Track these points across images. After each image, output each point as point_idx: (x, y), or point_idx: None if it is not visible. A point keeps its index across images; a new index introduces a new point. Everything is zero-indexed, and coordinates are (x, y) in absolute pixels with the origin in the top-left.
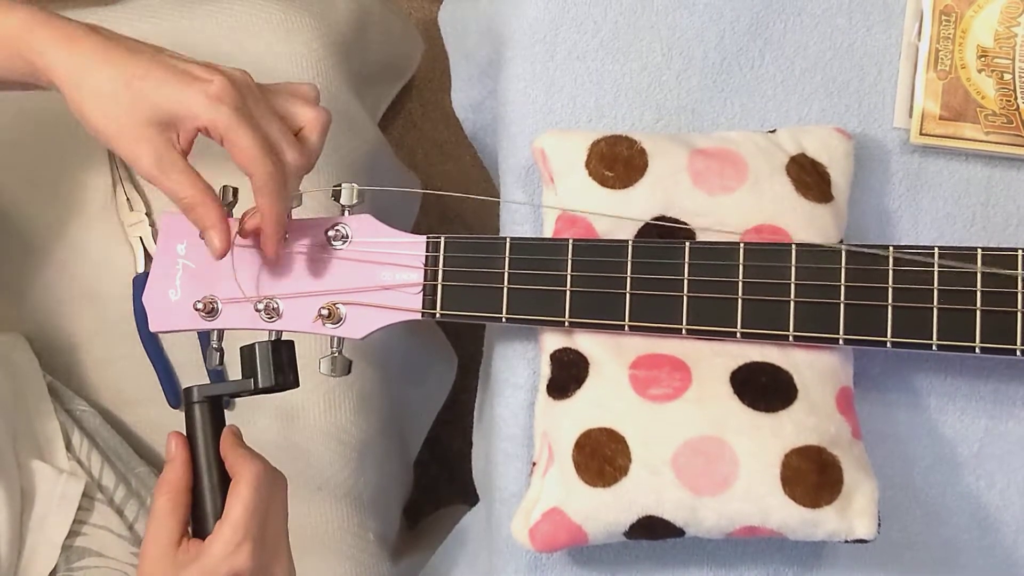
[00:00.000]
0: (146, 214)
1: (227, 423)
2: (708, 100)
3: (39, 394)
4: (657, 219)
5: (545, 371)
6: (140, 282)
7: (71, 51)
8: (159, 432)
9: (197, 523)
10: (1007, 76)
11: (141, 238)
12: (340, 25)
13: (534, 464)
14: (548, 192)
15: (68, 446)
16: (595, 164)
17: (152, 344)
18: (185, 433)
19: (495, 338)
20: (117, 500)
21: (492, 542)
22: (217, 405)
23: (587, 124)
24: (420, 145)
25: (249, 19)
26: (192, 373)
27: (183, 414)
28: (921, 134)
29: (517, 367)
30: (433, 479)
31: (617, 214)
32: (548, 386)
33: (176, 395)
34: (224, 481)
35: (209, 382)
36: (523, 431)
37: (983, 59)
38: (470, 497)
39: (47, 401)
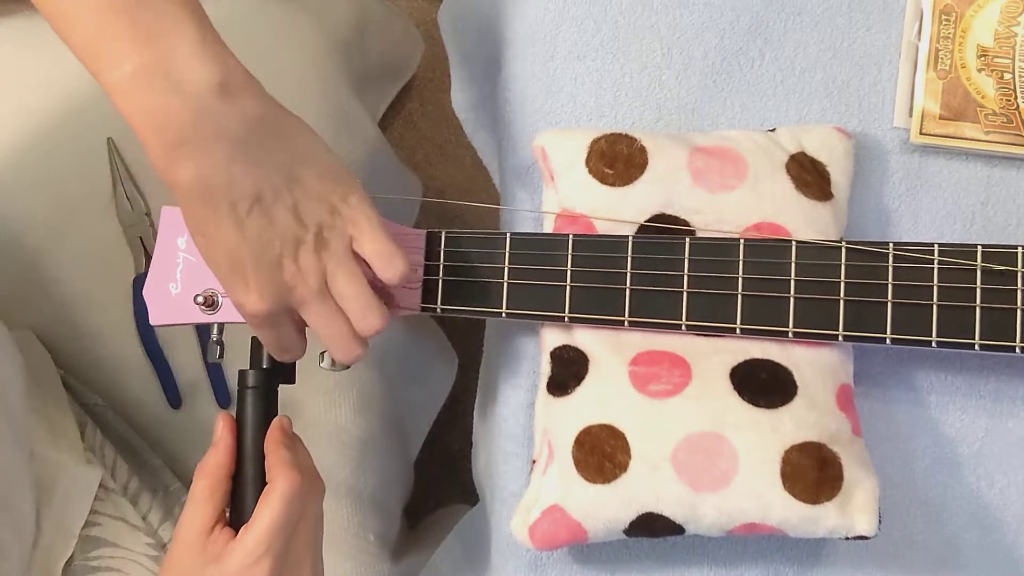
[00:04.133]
0: (146, 214)
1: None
2: (708, 100)
3: (54, 385)
4: (657, 216)
5: (545, 369)
6: (140, 282)
7: None
8: (162, 431)
9: (235, 511)
10: (1007, 76)
11: (141, 238)
12: (340, 25)
13: (534, 462)
14: (548, 190)
15: (82, 437)
16: (595, 161)
17: (152, 345)
18: (236, 414)
19: (495, 338)
20: (131, 491)
21: (492, 541)
22: (270, 392)
23: (587, 124)
24: (420, 145)
25: (249, 19)
26: (192, 374)
27: (185, 415)
28: (921, 134)
29: (517, 367)
30: (433, 479)
31: (617, 211)
32: (548, 384)
33: (176, 396)
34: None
35: (264, 367)
36: (523, 430)
37: (983, 58)
38: (470, 497)
39: (62, 392)
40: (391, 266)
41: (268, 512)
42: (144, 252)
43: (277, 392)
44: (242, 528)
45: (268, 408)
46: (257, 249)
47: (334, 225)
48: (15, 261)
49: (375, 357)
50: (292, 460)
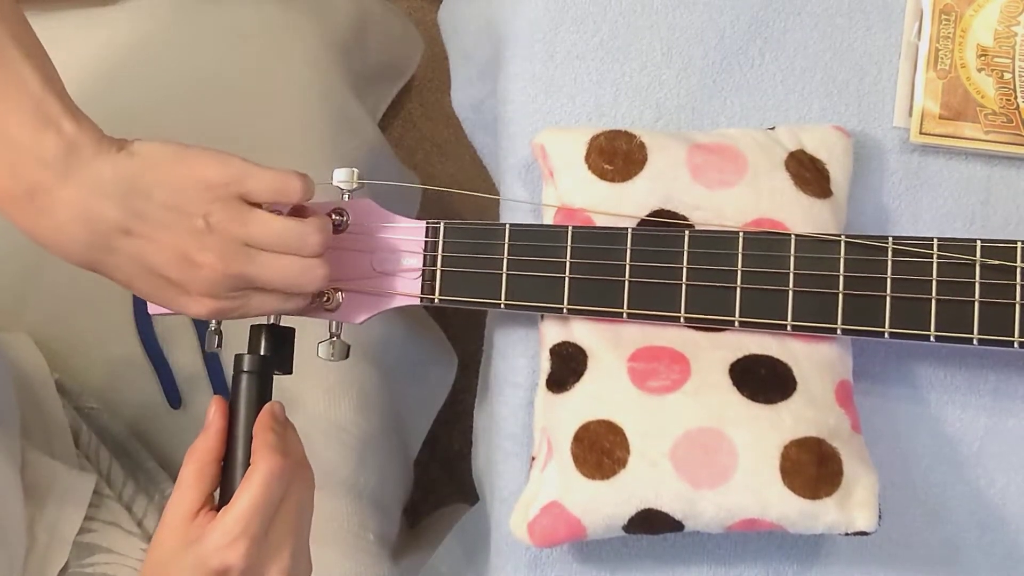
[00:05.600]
0: None
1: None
2: (708, 99)
3: (47, 390)
4: (656, 212)
5: (545, 366)
6: None
7: None
8: (161, 432)
9: (224, 495)
10: (1007, 75)
11: None
12: (340, 25)
13: (533, 459)
14: (548, 188)
15: (76, 442)
16: (595, 158)
17: (152, 345)
18: (230, 399)
19: (495, 337)
20: (126, 496)
21: (492, 541)
22: (265, 377)
23: (587, 123)
24: (420, 145)
25: (249, 19)
26: (192, 374)
27: (184, 415)
28: (921, 133)
29: (517, 366)
30: (433, 479)
31: (617, 207)
32: (547, 380)
33: (176, 396)
34: None
35: (261, 353)
36: (523, 430)
37: (983, 58)
38: (470, 497)
39: (55, 397)
40: (289, 188)
41: (247, 494)
42: None
43: (272, 378)
44: (222, 509)
45: (262, 393)
46: (167, 258)
47: (216, 197)
48: (15, 261)
49: (375, 356)
50: (277, 444)
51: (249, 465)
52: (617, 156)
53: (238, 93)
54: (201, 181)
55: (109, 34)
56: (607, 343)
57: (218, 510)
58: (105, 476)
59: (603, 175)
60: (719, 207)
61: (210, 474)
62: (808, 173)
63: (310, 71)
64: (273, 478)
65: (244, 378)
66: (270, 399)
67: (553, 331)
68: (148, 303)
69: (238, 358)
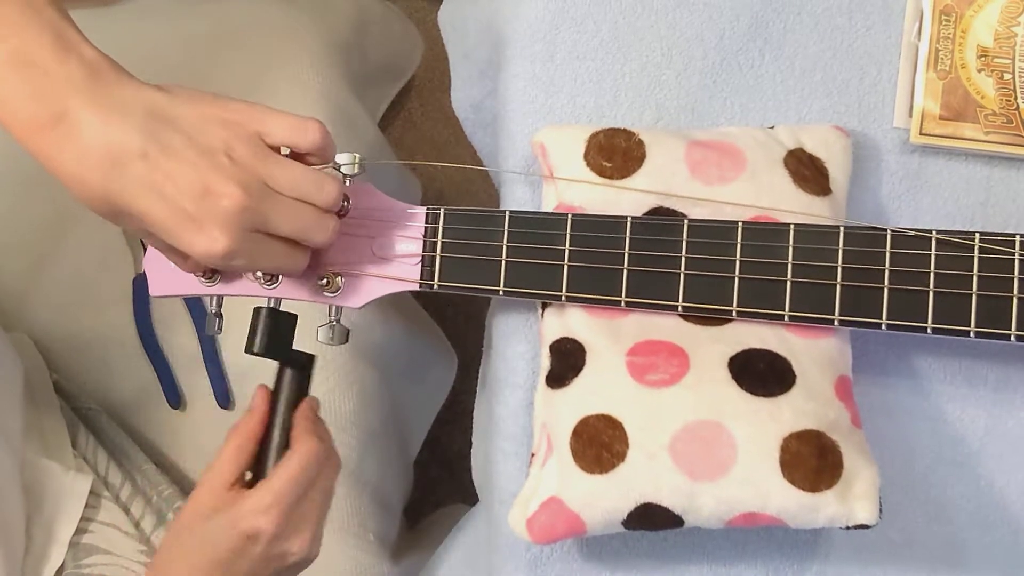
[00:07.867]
0: None
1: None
2: (708, 99)
3: (45, 391)
4: (655, 209)
5: (545, 363)
6: (140, 282)
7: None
8: (160, 433)
9: (256, 474)
10: (1007, 76)
11: (141, 239)
12: (340, 25)
13: (533, 455)
14: (548, 186)
15: (74, 443)
16: (593, 155)
17: (152, 345)
18: (273, 388)
19: (494, 338)
20: (123, 497)
21: (492, 541)
22: (306, 372)
23: (587, 123)
24: (420, 145)
25: (249, 19)
26: (192, 373)
27: (184, 415)
28: (921, 134)
29: (516, 367)
30: (433, 479)
31: (615, 204)
32: (547, 377)
33: (176, 395)
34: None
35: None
36: (522, 431)
37: (983, 59)
38: (470, 497)
39: (53, 398)
40: (307, 132)
41: (286, 470)
42: (144, 252)
43: (312, 375)
44: (258, 483)
45: (303, 387)
46: (183, 189)
47: (237, 135)
48: (15, 261)
49: (375, 357)
50: (315, 430)
51: (283, 450)
52: (616, 153)
53: (238, 93)
54: (222, 117)
55: (109, 34)
56: (606, 337)
57: (249, 487)
58: (103, 477)
59: (602, 172)
60: (717, 203)
61: (248, 451)
62: (807, 171)
63: (310, 71)
64: (310, 459)
65: (289, 372)
66: (307, 392)
67: (553, 327)
68: (149, 283)
69: (290, 352)
